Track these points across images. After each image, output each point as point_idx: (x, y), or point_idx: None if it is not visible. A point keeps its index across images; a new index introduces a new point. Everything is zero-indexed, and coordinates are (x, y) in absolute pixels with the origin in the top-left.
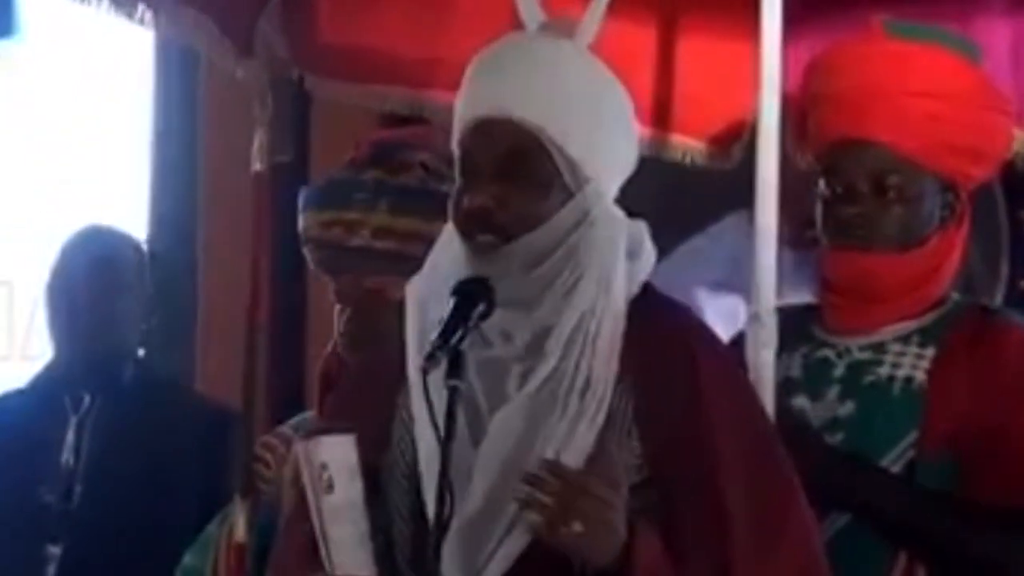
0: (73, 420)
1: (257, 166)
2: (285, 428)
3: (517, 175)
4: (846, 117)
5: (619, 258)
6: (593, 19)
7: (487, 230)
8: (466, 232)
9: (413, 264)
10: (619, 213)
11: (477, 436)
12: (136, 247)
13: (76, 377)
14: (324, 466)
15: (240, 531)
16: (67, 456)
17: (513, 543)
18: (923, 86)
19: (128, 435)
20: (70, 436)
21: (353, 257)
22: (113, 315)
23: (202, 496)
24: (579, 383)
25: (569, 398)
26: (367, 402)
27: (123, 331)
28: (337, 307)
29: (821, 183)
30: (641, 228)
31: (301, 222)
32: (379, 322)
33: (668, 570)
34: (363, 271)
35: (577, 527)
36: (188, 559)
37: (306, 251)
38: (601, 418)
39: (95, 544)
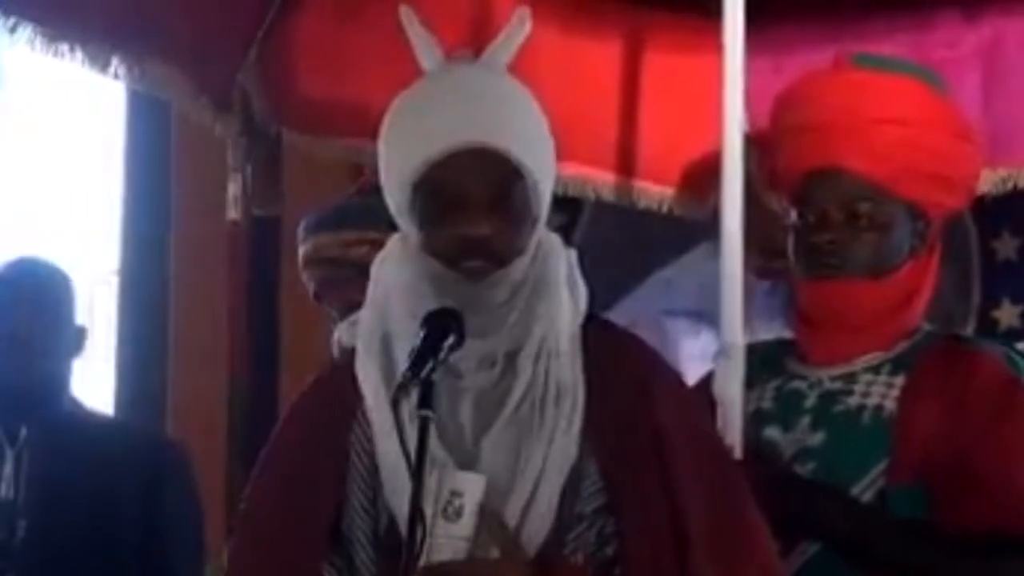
0: (10, 454)
1: (232, 215)
2: None
3: (507, 204)
4: (817, 147)
5: (563, 280)
6: (508, 45)
7: (480, 257)
8: (454, 259)
9: None
10: (555, 236)
11: (462, 461)
12: (66, 278)
13: (11, 410)
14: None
15: None
16: (6, 490)
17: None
18: (891, 113)
19: (67, 466)
20: (8, 469)
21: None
22: (47, 347)
23: (143, 523)
24: (552, 392)
25: (545, 408)
26: (318, 441)
27: (57, 363)
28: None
29: (793, 214)
30: (574, 256)
31: (310, 243)
32: None
33: None
34: None
35: None
36: None
37: (311, 271)
38: (577, 424)
39: None
